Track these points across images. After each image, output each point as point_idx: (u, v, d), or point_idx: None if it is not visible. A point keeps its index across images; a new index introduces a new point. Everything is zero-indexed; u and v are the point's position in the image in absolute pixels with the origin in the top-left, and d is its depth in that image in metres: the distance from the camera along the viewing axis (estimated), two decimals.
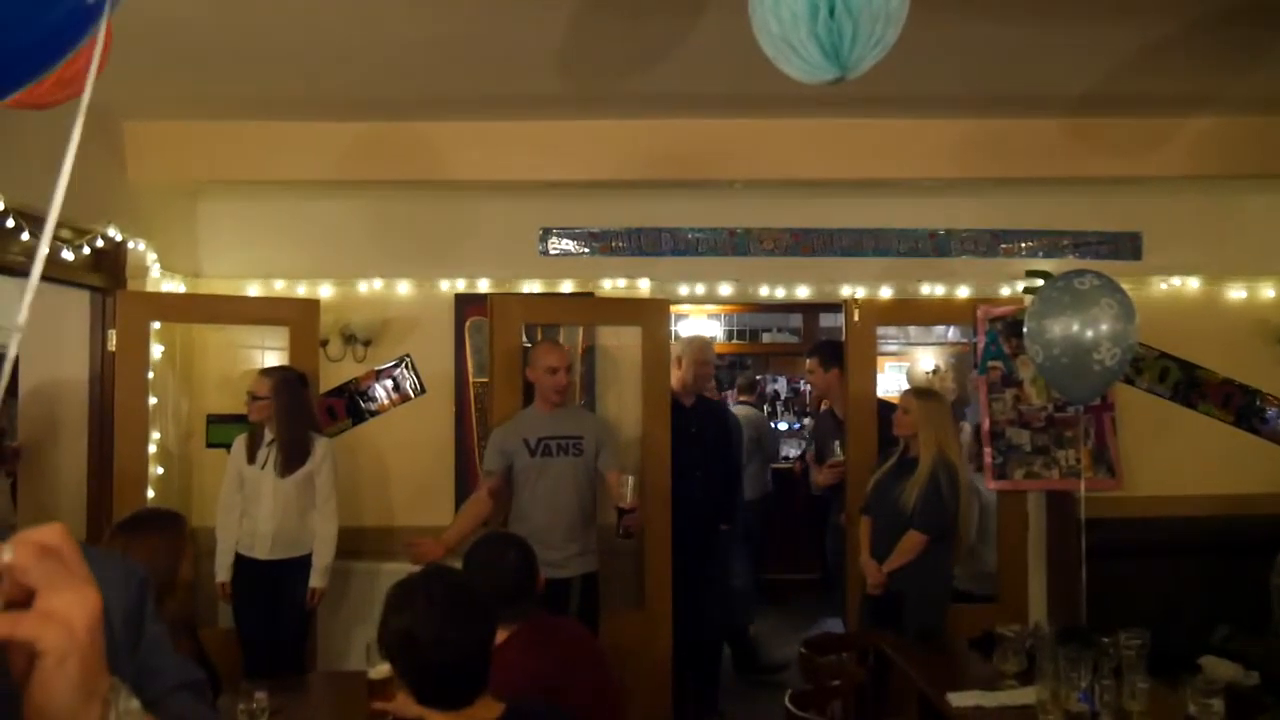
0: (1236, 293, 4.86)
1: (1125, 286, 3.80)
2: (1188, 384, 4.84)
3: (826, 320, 7.72)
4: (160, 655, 0.94)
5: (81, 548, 0.64)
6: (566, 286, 4.83)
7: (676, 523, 4.54)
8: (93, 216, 3.87)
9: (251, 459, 4.05)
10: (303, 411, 4.10)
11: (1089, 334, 3.62)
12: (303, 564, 4.00)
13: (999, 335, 4.67)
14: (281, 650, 3.97)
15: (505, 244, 4.85)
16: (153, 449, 4.28)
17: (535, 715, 1.90)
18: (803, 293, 4.90)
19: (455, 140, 4.36)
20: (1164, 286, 4.85)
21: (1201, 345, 4.83)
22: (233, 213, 4.81)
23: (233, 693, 2.56)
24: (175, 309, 4.50)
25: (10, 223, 3.31)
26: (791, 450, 7.27)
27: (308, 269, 4.78)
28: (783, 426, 8.06)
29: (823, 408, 5.68)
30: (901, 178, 4.52)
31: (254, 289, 4.75)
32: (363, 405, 4.82)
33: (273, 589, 3.98)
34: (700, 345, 4.91)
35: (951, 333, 7.28)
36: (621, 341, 4.80)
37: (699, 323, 7.54)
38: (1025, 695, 2.75)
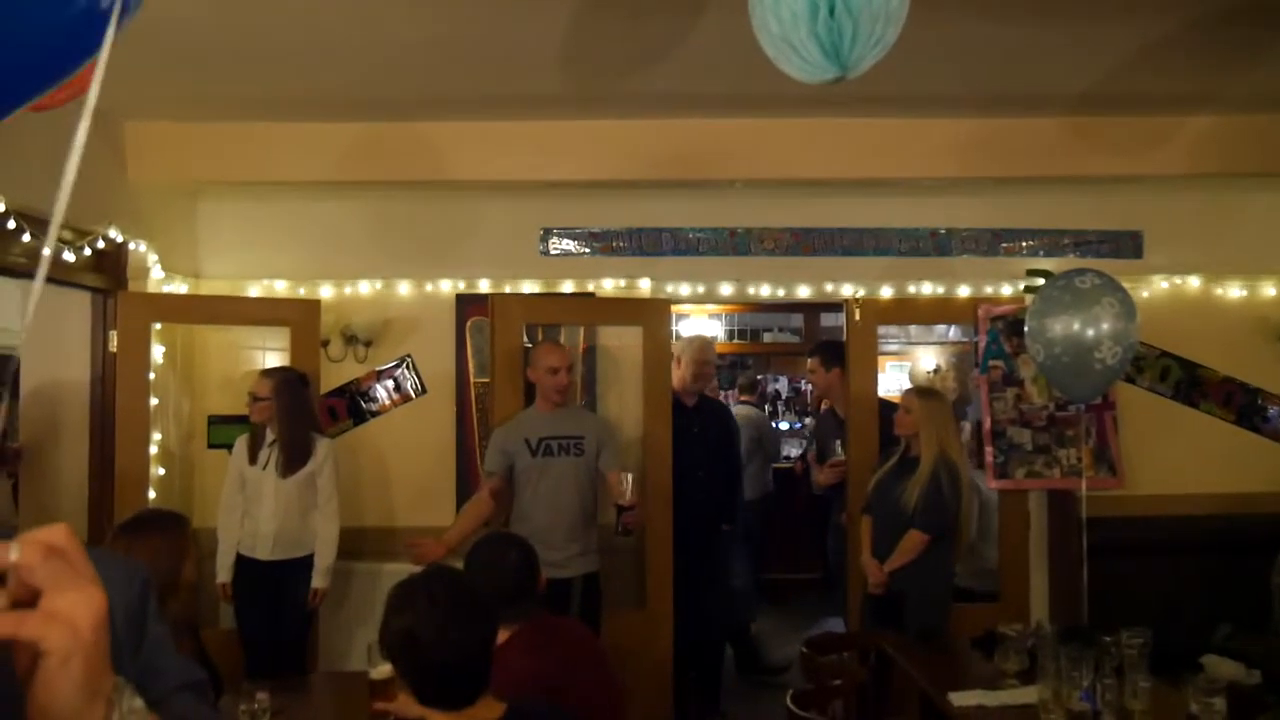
0: (1237, 291, 4.86)
1: (1126, 285, 3.80)
2: (1189, 383, 4.84)
3: (827, 320, 7.71)
4: (162, 656, 0.94)
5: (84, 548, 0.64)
6: (567, 286, 4.83)
7: (678, 522, 4.54)
8: (93, 218, 3.87)
9: (253, 460, 4.05)
10: (304, 412, 4.10)
11: (1090, 333, 3.62)
12: (304, 564, 4.01)
13: (1000, 334, 4.67)
14: (283, 651, 3.97)
15: (506, 244, 4.85)
16: (154, 450, 4.28)
17: (536, 715, 1.90)
18: (803, 292, 4.90)
19: (456, 140, 4.36)
20: (1165, 285, 4.84)
21: (1202, 344, 4.83)
22: (233, 213, 4.81)
23: (234, 693, 2.56)
24: (176, 310, 4.50)
25: (11, 224, 3.31)
26: (793, 450, 7.27)
27: (308, 269, 4.79)
28: (784, 426, 8.06)
29: (823, 407, 5.68)
30: (902, 177, 4.52)
31: (255, 289, 4.75)
32: (364, 406, 4.83)
33: (274, 589, 3.98)
34: (700, 345, 4.91)
35: (952, 332, 7.27)
36: (622, 341, 4.81)
37: (700, 323, 7.54)
38: (1027, 694, 2.75)
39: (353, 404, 4.82)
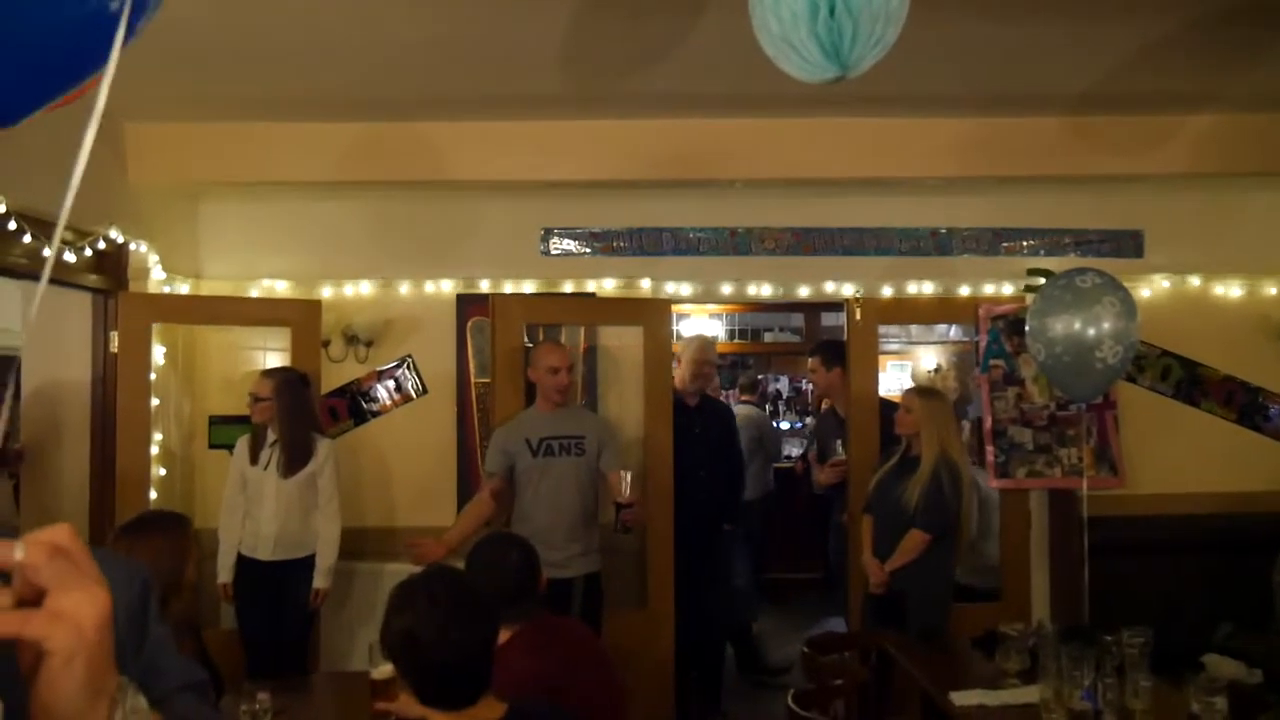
0: (1238, 290, 4.86)
1: (1127, 284, 3.80)
2: (1190, 382, 4.84)
3: (828, 319, 7.71)
4: (164, 656, 0.94)
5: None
6: (568, 286, 4.83)
7: (680, 522, 4.54)
8: (94, 218, 3.87)
9: (254, 460, 4.05)
10: (305, 412, 4.10)
11: (1091, 332, 3.62)
12: (305, 565, 4.01)
13: (1001, 334, 4.67)
14: (284, 651, 3.97)
15: (506, 244, 4.85)
16: (155, 450, 4.29)
17: (538, 716, 1.90)
18: (804, 292, 4.90)
19: (456, 140, 4.36)
20: (1165, 284, 4.84)
21: (1203, 343, 4.83)
22: (234, 214, 4.81)
23: (236, 693, 2.56)
24: (177, 310, 4.51)
25: (12, 225, 3.31)
26: (793, 450, 7.27)
27: (309, 270, 4.79)
28: (784, 426, 8.06)
29: (823, 407, 5.68)
30: (902, 176, 4.52)
31: (255, 290, 4.75)
32: (365, 406, 4.83)
33: (276, 590, 3.98)
34: (700, 345, 4.91)
35: (953, 331, 7.27)
36: (623, 341, 4.81)
37: (700, 322, 7.54)
38: (1028, 694, 2.74)
39: (353, 404, 4.82)
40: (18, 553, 0.60)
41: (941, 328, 7.35)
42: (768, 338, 8.26)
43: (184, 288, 4.63)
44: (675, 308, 5.18)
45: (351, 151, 4.32)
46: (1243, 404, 4.84)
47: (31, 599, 0.61)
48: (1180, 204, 4.82)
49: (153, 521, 2.85)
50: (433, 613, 1.74)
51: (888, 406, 4.64)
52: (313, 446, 4.04)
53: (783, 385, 8.45)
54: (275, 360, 4.60)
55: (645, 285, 4.85)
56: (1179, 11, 3.17)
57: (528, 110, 4.19)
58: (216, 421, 4.64)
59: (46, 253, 3.42)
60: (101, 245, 3.93)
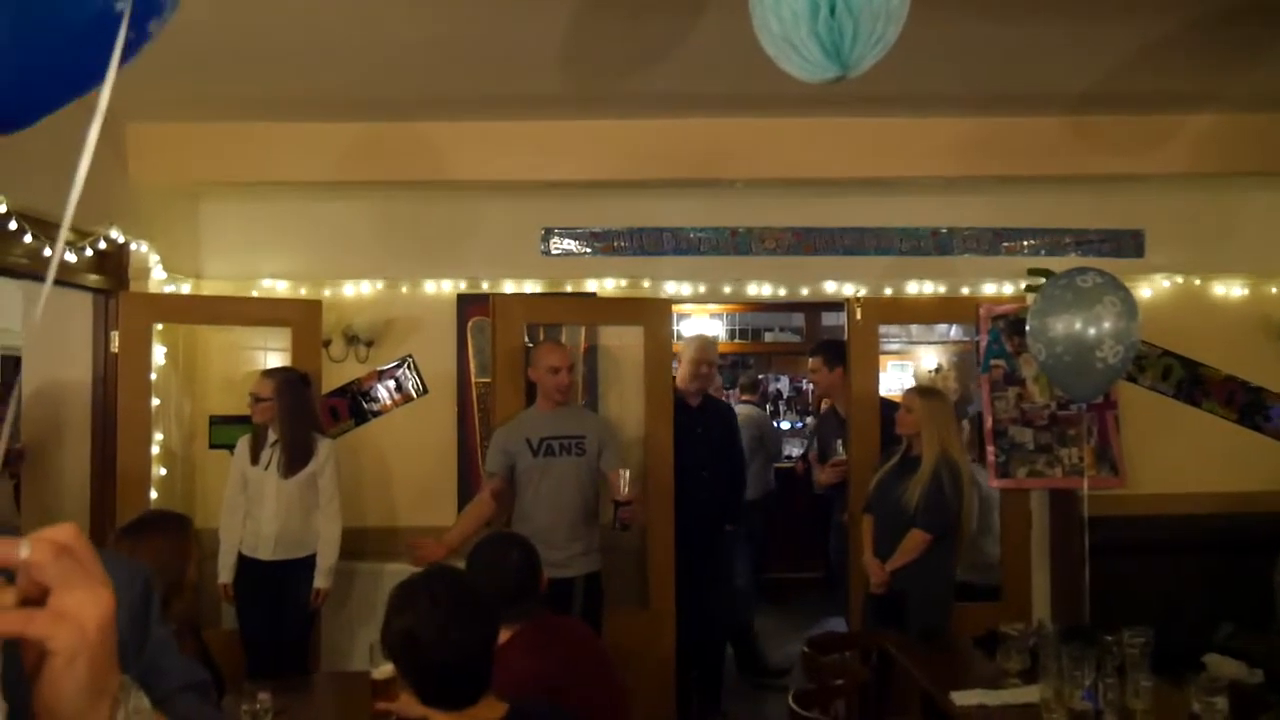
0: (1239, 290, 4.86)
1: (1127, 284, 3.80)
2: (1190, 382, 4.84)
3: (829, 319, 7.71)
4: (165, 656, 0.94)
5: None
6: (568, 286, 4.83)
7: (681, 522, 4.54)
8: (95, 218, 3.87)
9: (255, 460, 4.05)
10: (305, 412, 4.10)
11: (1091, 332, 3.62)
12: (306, 565, 4.01)
13: (1001, 333, 4.67)
14: (285, 651, 3.97)
15: (507, 244, 4.85)
16: (155, 450, 4.29)
17: (538, 716, 1.90)
18: (804, 292, 4.90)
19: (456, 140, 4.36)
20: (1166, 284, 4.84)
21: (1204, 343, 4.83)
22: (234, 214, 4.81)
23: (236, 693, 2.56)
24: (178, 310, 4.51)
25: (13, 225, 3.31)
26: (794, 450, 7.27)
27: (309, 270, 4.79)
28: (785, 426, 8.06)
29: (823, 407, 5.68)
30: (903, 176, 4.52)
31: (256, 290, 4.75)
32: (365, 406, 4.83)
33: (276, 590, 3.98)
34: (699, 344, 4.91)
35: (954, 331, 7.27)
36: (623, 341, 4.81)
37: (701, 322, 7.55)
38: (1029, 694, 2.74)
39: (354, 404, 4.82)
40: (23, 551, 0.60)
41: (942, 327, 7.35)
42: (768, 337, 8.26)
43: (185, 288, 4.63)
44: (676, 307, 5.19)
45: (352, 151, 4.32)
46: (1243, 404, 4.83)
47: (35, 598, 0.61)
48: (1181, 204, 4.82)
49: (154, 522, 2.85)
50: (433, 613, 1.74)
51: (888, 406, 4.64)
52: (313, 446, 4.05)
53: (783, 385, 8.45)
54: (276, 360, 4.60)
55: (646, 285, 4.85)
56: (1179, 11, 3.17)
57: (528, 110, 4.19)
58: (217, 421, 4.64)
59: (48, 253, 3.43)
60: (102, 245, 3.93)
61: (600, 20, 3.19)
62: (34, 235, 3.38)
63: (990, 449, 4.62)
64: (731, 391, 7.10)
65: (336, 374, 4.75)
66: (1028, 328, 3.90)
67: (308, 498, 4.03)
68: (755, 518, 5.57)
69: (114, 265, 4.12)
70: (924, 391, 4.27)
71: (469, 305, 4.81)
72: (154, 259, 4.36)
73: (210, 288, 4.76)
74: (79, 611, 0.61)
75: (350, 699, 2.83)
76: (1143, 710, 2.53)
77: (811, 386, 7.58)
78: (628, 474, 3.76)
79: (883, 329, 5.25)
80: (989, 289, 4.83)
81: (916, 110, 4.24)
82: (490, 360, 4.53)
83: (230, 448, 4.20)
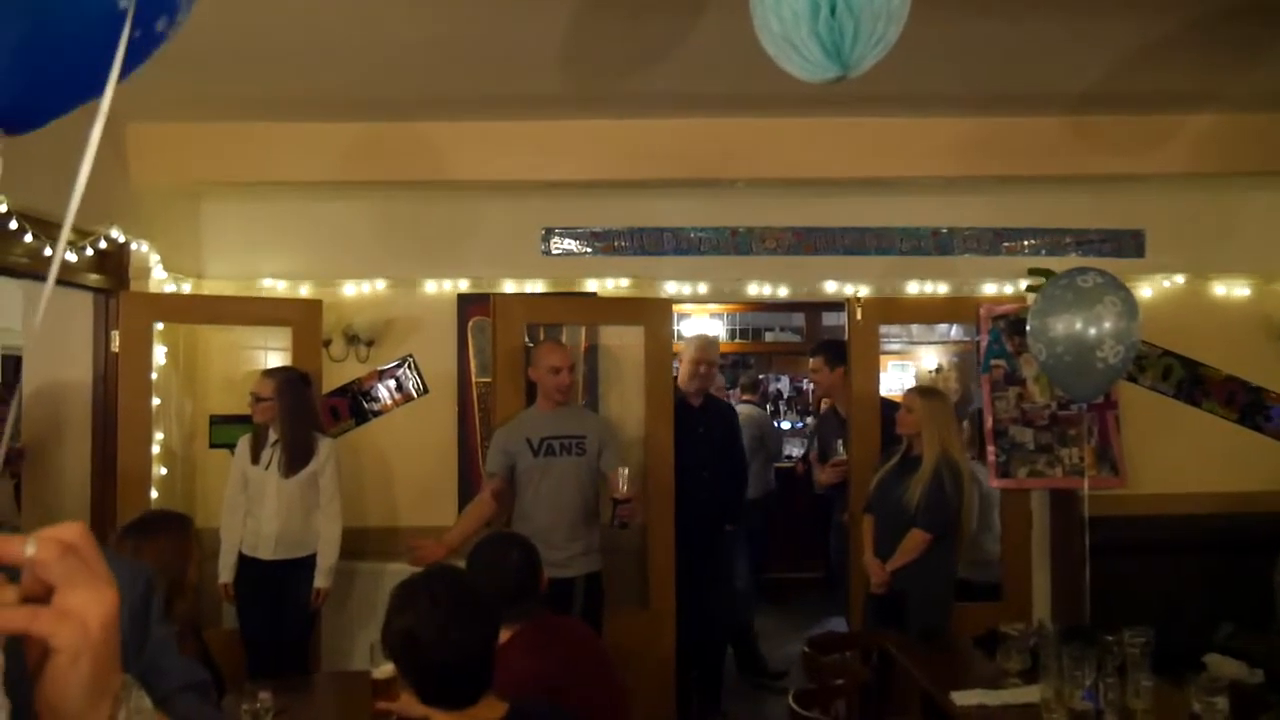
0: (1240, 290, 4.86)
1: (1128, 284, 3.80)
2: (1191, 382, 4.83)
3: (829, 319, 7.71)
4: (166, 656, 0.94)
5: None
6: (569, 286, 4.82)
7: (682, 522, 4.54)
8: (96, 218, 3.87)
9: (255, 459, 4.05)
10: (306, 412, 4.10)
11: (1092, 332, 3.62)
12: (307, 564, 4.01)
13: (1002, 333, 4.67)
14: (285, 651, 3.97)
15: (507, 244, 4.85)
16: (156, 450, 4.29)
17: (538, 716, 1.90)
18: (805, 292, 4.90)
19: (456, 140, 4.36)
20: (1167, 284, 4.84)
21: (1204, 343, 4.83)
22: (235, 213, 4.82)
23: (237, 693, 2.56)
24: (178, 310, 4.51)
25: (13, 225, 3.31)
26: (794, 450, 7.27)
27: (310, 269, 4.79)
28: (785, 425, 8.06)
29: (823, 407, 5.67)
30: (903, 176, 4.52)
31: (256, 290, 4.75)
32: (366, 405, 4.83)
33: (277, 589, 3.98)
34: (699, 344, 4.91)
35: (954, 331, 7.27)
36: (624, 341, 4.81)
37: (701, 322, 7.55)
38: (1029, 694, 2.74)
39: (355, 404, 4.82)
40: (29, 549, 0.60)
41: (943, 327, 7.35)
42: (769, 337, 8.26)
43: (185, 287, 4.63)
44: (676, 307, 5.18)
45: (352, 151, 4.32)
46: (1244, 404, 4.83)
47: (39, 596, 0.61)
48: (1181, 204, 4.82)
49: (156, 522, 2.85)
50: (434, 612, 1.74)
51: (889, 406, 4.64)
52: (314, 446, 4.05)
53: (783, 385, 8.45)
54: (276, 360, 4.60)
55: (646, 285, 4.85)
56: (1179, 11, 3.17)
57: (528, 110, 4.19)
58: (217, 421, 4.64)
59: (48, 252, 3.43)
60: (103, 245, 3.94)
61: (600, 20, 3.18)
62: (34, 235, 3.38)
63: (991, 449, 4.62)
64: (732, 391, 7.10)
65: (337, 374, 4.75)
66: (1028, 328, 3.90)
67: (308, 497, 4.03)
68: (755, 517, 5.57)
69: (114, 265, 4.12)
70: (924, 391, 4.28)
71: (469, 305, 4.81)
72: (154, 259, 4.36)
73: (211, 287, 4.76)
74: (83, 610, 0.61)
75: (351, 699, 2.83)
76: (1143, 710, 2.53)
77: (812, 386, 7.58)
78: (626, 472, 3.76)
79: (883, 329, 5.25)
80: (989, 289, 4.83)
81: (917, 110, 4.23)
82: (491, 360, 4.53)
83: (231, 447, 4.21)
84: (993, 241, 4.90)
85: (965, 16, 3.15)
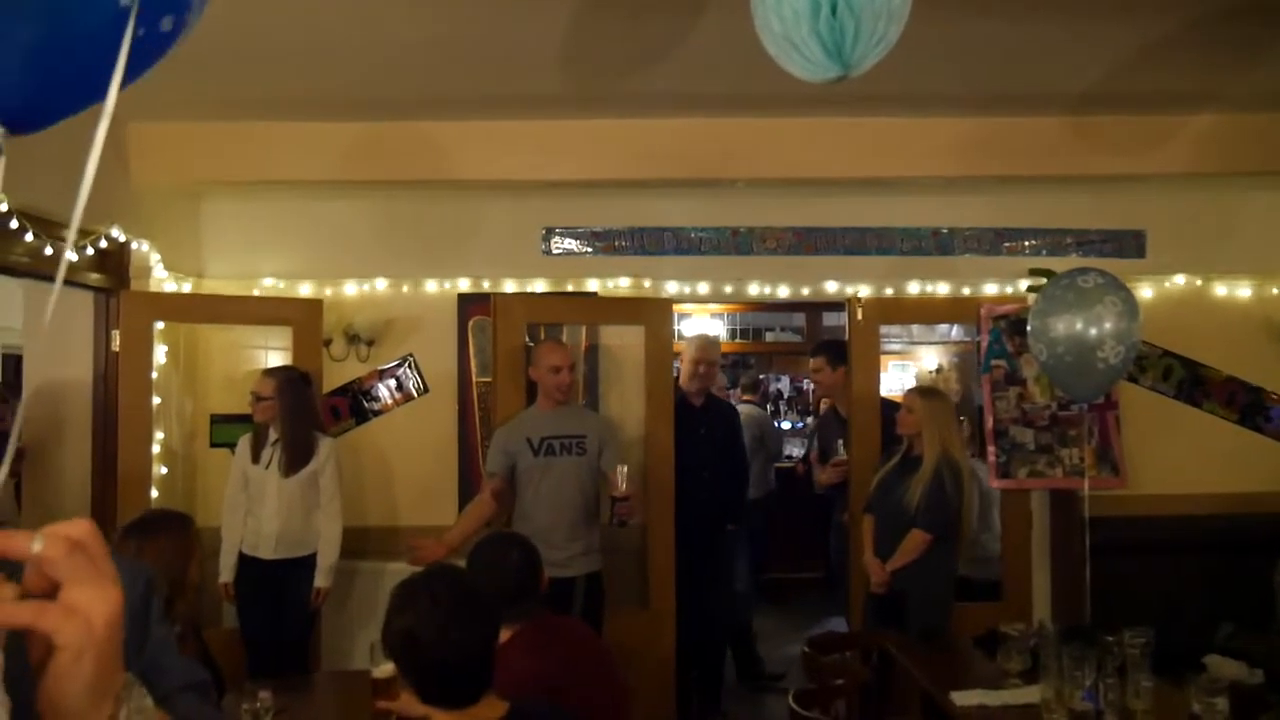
0: (1240, 291, 4.85)
1: (1128, 284, 3.80)
2: (1191, 382, 4.83)
3: (830, 319, 7.71)
4: (166, 656, 0.94)
5: None
6: (569, 286, 4.83)
7: (683, 522, 4.54)
8: (96, 217, 3.88)
9: (256, 459, 4.05)
10: (306, 411, 4.11)
11: (1093, 332, 3.62)
12: (307, 564, 4.01)
13: (1002, 334, 4.67)
14: (286, 650, 3.97)
15: (508, 244, 4.85)
16: (156, 449, 4.29)
17: (538, 715, 1.90)
18: (805, 292, 4.90)
19: (457, 140, 4.36)
20: (1167, 284, 4.84)
21: (1205, 343, 4.83)
22: (236, 213, 4.82)
23: (237, 692, 2.56)
24: (179, 309, 4.51)
25: (14, 224, 3.32)
26: (794, 450, 7.27)
27: (310, 269, 4.79)
28: (785, 425, 8.06)
29: (823, 407, 5.67)
30: (904, 176, 4.52)
31: (257, 289, 4.75)
32: (366, 405, 4.83)
33: (277, 589, 3.98)
34: (700, 344, 4.91)
35: (955, 331, 7.26)
36: (624, 341, 4.81)
37: (702, 322, 7.55)
38: (1029, 694, 2.74)
39: (355, 403, 4.82)
40: (36, 545, 0.60)
41: (943, 328, 7.35)
42: (769, 337, 8.26)
43: (186, 286, 4.63)
44: (676, 307, 5.18)
45: (353, 151, 4.32)
46: (1244, 405, 4.83)
47: (41, 592, 0.61)
48: (1182, 204, 4.82)
49: (158, 521, 2.85)
50: (434, 612, 1.74)
51: (889, 406, 4.64)
52: (314, 445, 4.05)
53: (784, 385, 8.45)
54: (277, 359, 4.60)
55: (647, 285, 4.85)
56: (1179, 11, 3.17)
57: (529, 110, 4.19)
58: (218, 420, 4.64)
59: (48, 251, 3.43)
60: (103, 244, 3.94)
61: (601, 20, 3.18)
62: (35, 234, 3.38)
63: (991, 449, 4.61)
64: (732, 391, 7.11)
65: (337, 373, 4.76)
66: (1029, 328, 3.90)
67: (309, 497, 4.03)
68: (756, 517, 5.57)
69: (115, 264, 4.12)
70: (925, 392, 4.28)
71: (470, 304, 4.81)
72: (155, 258, 4.36)
73: (211, 287, 4.76)
74: (89, 608, 0.61)
75: (351, 698, 2.83)
76: (1143, 711, 2.53)
77: (812, 386, 7.58)
78: (625, 469, 3.76)
79: (884, 329, 5.25)
80: (990, 289, 4.83)
81: (917, 110, 4.23)
82: (491, 359, 4.53)
83: (231, 446, 4.21)
84: (993, 242, 4.90)
85: (965, 16, 3.15)
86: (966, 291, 4.84)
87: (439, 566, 2.21)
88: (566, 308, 4.82)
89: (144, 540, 2.61)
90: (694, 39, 3.31)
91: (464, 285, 4.83)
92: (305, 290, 4.76)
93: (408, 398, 4.85)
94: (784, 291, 4.89)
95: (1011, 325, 4.61)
